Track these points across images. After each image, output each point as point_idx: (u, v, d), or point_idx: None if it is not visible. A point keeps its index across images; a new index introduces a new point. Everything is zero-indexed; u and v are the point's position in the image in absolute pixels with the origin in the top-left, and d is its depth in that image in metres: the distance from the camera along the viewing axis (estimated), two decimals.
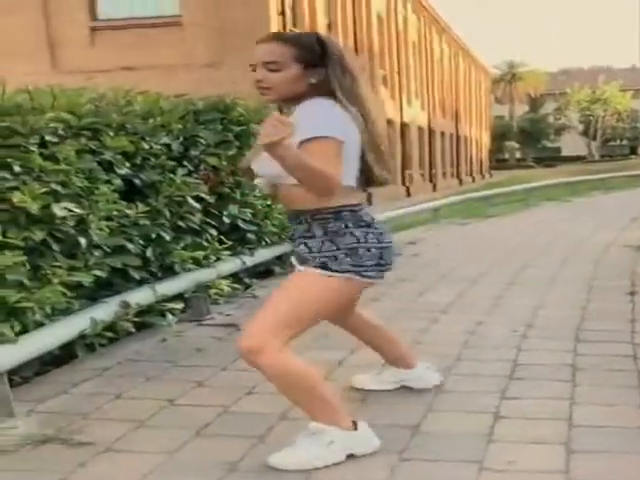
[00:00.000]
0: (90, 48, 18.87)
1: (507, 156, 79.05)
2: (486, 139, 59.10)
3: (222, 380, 4.39)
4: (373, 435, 3.22)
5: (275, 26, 18.45)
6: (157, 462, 3.21)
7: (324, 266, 3.02)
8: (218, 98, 6.34)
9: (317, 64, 2.99)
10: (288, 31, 19.23)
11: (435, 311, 6.07)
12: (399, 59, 32.97)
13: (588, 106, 76.99)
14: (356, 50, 26.24)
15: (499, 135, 73.59)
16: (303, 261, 3.10)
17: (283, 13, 18.98)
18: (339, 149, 2.92)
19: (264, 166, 3.00)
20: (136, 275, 5.02)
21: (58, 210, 4.05)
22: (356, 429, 3.17)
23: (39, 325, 4.13)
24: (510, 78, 78.09)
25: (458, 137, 45.68)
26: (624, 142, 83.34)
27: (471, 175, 49.54)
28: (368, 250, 3.03)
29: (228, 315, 5.93)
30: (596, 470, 3.05)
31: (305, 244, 3.08)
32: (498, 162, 71.36)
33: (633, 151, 79.78)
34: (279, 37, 3.04)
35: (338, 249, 3.00)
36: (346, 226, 3.03)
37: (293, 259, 3.23)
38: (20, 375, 4.33)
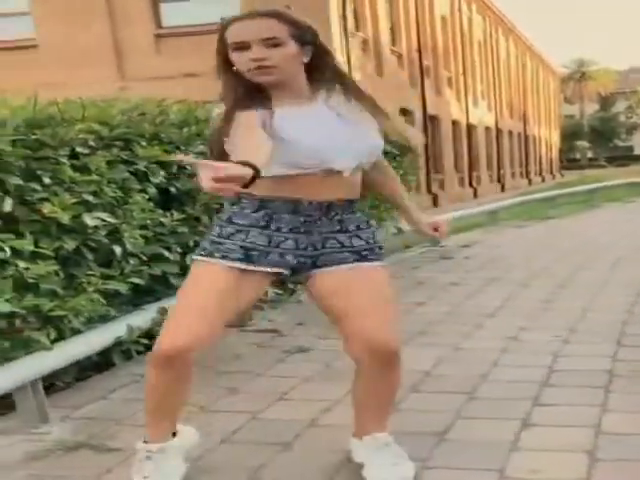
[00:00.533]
0: (155, 55, 19.13)
1: (578, 156, 77.94)
2: (556, 138, 58.38)
3: (256, 386, 4.42)
4: None
5: (337, 29, 18.47)
6: None
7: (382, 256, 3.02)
8: None
9: (306, 42, 2.80)
10: (349, 34, 19.21)
11: (481, 315, 6.03)
12: (464, 60, 32.80)
13: None
14: (419, 52, 26.14)
15: (569, 134, 72.65)
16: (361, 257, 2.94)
17: (344, 17, 18.96)
18: None
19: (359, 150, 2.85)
20: (176, 282, 5.07)
21: (89, 220, 4.12)
22: None
23: (76, 332, 4.21)
24: (579, 77, 76.96)
25: (526, 137, 45.21)
26: None
27: (541, 175, 48.98)
28: None
29: (270, 321, 5.97)
30: (618, 479, 3.01)
31: (360, 235, 2.95)
32: (569, 162, 70.45)
33: None
34: (271, 13, 2.77)
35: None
36: None
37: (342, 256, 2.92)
38: (62, 380, 4.42)
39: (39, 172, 3.95)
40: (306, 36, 2.79)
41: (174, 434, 3.14)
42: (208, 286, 2.79)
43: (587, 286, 7.23)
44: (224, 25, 2.77)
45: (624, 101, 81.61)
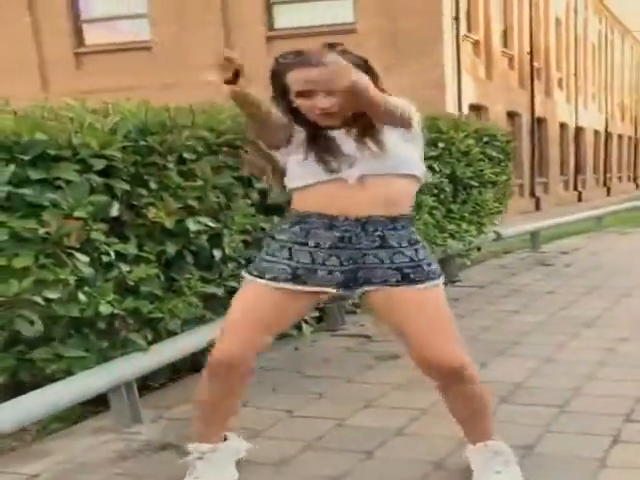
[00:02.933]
0: (265, 58, 19.23)
1: None
2: None
3: (344, 392, 4.44)
4: None
5: (449, 32, 18.37)
6: (261, 472, 3.29)
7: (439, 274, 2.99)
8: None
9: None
10: (461, 37, 19.04)
11: (577, 325, 5.92)
12: (577, 62, 32.11)
13: None
14: (531, 54, 25.70)
15: None
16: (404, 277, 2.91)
17: (457, 18, 18.83)
18: None
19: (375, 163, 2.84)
20: None
21: (192, 225, 4.18)
22: None
23: (172, 334, 4.29)
24: None
25: (637, 140, 44.00)
26: None
27: None
28: None
29: (362, 326, 5.95)
30: None
31: (404, 252, 2.92)
32: None
33: None
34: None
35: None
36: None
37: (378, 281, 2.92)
38: (156, 381, 4.52)
39: (146, 177, 4.03)
40: (361, 69, 2.73)
41: (225, 438, 3.25)
42: (256, 306, 2.95)
43: None
44: (284, 66, 2.79)
45: None
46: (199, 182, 4.31)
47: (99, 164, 3.66)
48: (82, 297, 3.63)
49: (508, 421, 3.83)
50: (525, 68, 25.60)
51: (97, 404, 4.06)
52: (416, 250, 2.93)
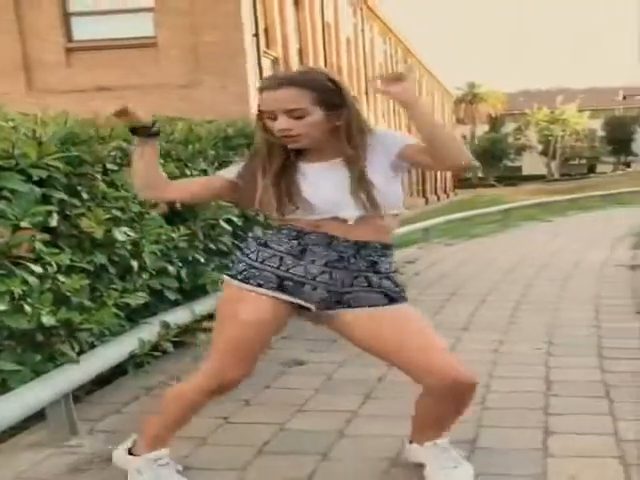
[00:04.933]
0: (66, 69, 18.88)
1: (470, 175, 79.57)
2: None
3: (269, 398, 4.49)
4: None
5: (250, 48, 18.61)
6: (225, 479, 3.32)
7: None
8: (244, 123, 6.41)
9: (336, 105, 2.84)
10: (261, 53, 19.41)
11: (455, 330, 6.21)
12: (366, 80, 33.26)
13: (547, 126, 77.62)
14: None
15: None
16: (391, 299, 2.99)
17: (257, 35, 19.10)
18: None
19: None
20: (171, 296, 5.12)
21: (119, 235, 4.16)
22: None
23: (91, 346, 4.22)
24: (471, 99, 78.82)
25: None
26: (583, 161, 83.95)
27: (436, 194, 49.95)
28: None
29: None
30: None
31: (391, 277, 3.02)
32: (461, 181, 71.75)
33: (591, 170, 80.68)
34: (294, 81, 2.78)
35: None
36: None
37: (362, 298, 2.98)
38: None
39: (79, 188, 3.98)
40: (334, 99, 2.82)
41: None
42: (249, 318, 2.93)
43: (544, 302, 7.47)
44: (260, 89, 2.84)
45: (513, 123, 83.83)
46: (122, 192, 4.28)
47: (40, 174, 3.59)
48: (27, 308, 3.54)
49: None
50: None
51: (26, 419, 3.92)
52: (395, 275, 3.04)
